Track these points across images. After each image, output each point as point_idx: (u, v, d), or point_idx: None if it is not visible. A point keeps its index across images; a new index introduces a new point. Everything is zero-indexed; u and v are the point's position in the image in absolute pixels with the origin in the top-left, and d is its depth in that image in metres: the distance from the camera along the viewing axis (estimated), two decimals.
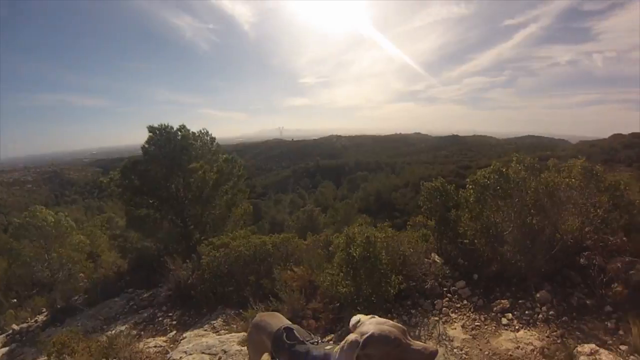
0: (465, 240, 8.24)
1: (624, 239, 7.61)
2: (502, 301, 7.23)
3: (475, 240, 8.03)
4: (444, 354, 6.27)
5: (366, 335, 2.49)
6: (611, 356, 5.57)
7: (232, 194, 18.03)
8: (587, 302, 6.97)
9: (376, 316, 2.78)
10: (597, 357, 5.52)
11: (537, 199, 7.49)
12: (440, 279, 8.09)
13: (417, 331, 6.83)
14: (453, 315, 7.21)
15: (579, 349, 5.71)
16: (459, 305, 7.44)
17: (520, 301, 7.24)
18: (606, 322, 6.55)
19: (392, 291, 7.28)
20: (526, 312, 7.02)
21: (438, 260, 8.60)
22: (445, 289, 7.89)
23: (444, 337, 6.66)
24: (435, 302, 7.54)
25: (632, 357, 5.87)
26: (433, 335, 6.72)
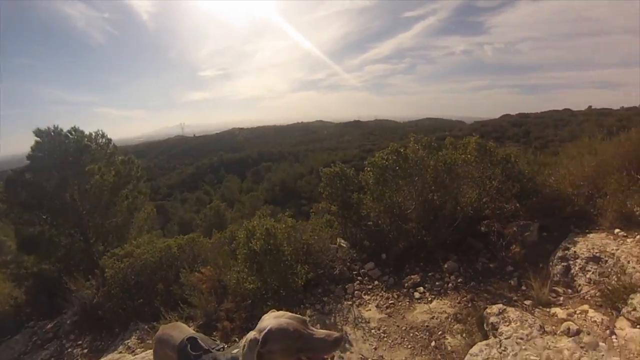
0: (369, 222, 8.35)
1: (517, 205, 8.23)
2: (413, 276, 7.40)
3: (380, 221, 8.18)
4: (362, 337, 6.29)
5: (264, 332, 2.38)
6: (517, 312, 5.84)
7: (132, 198, 16.70)
8: (491, 265, 7.37)
9: (275, 311, 2.70)
10: (505, 315, 5.77)
11: (436, 175, 7.76)
12: (348, 263, 8.11)
13: (332, 318, 6.78)
14: (366, 297, 7.24)
15: (488, 310, 5.94)
16: (370, 286, 7.50)
17: (429, 274, 7.46)
18: (509, 281, 6.98)
19: (299, 282, 7.19)
20: (436, 283, 7.24)
21: (344, 245, 8.56)
22: (354, 272, 7.92)
23: (360, 320, 6.67)
24: (346, 286, 7.53)
25: (536, 310, 6.19)
26: (349, 319, 6.70)
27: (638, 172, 7.88)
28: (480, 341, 5.50)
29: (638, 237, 6.80)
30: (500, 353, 5.17)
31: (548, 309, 6.24)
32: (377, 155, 8.18)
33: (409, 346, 6.05)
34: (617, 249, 6.67)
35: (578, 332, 5.43)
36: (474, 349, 5.33)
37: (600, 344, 5.28)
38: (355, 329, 6.48)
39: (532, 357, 5.06)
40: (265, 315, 2.63)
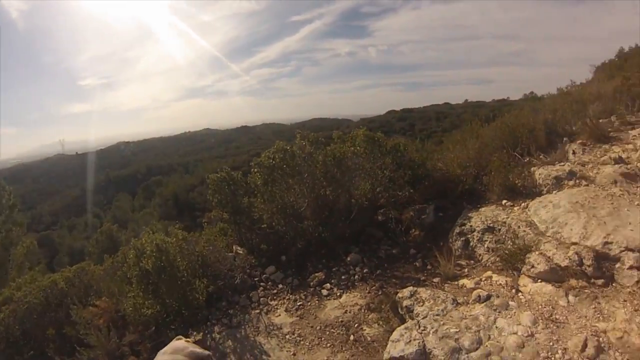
0: (263, 225, 8.03)
1: (411, 191, 8.43)
2: (317, 274, 7.26)
3: (274, 223, 7.93)
4: (278, 344, 6.03)
5: None
6: (429, 291, 5.91)
7: (6, 231, 13.97)
8: (394, 251, 7.49)
9: (182, 338, 2.39)
10: (417, 296, 5.81)
11: (326, 170, 7.70)
12: (248, 270, 7.73)
13: (243, 330, 6.40)
14: (273, 303, 6.95)
15: (400, 294, 5.96)
16: (275, 291, 7.22)
17: (334, 269, 7.37)
18: (414, 263, 7.14)
19: (200, 297, 6.70)
20: (342, 277, 7.17)
21: (241, 252, 8.24)
22: (256, 278, 7.57)
23: (271, 327, 6.39)
24: (250, 295, 7.16)
25: (446, 285, 6.31)
26: (260, 329, 6.38)
27: (514, 150, 8.74)
28: (399, 326, 5.47)
29: (523, 204, 7.34)
30: (421, 333, 5.15)
31: (456, 282, 6.40)
32: (264, 155, 7.93)
33: (328, 345, 5.89)
34: (507, 217, 7.08)
35: (488, 297, 5.62)
36: (395, 335, 5.27)
37: (510, 303, 5.50)
38: (269, 338, 6.18)
39: (452, 330, 5.10)
40: (166, 347, 2.30)
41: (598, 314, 5.13)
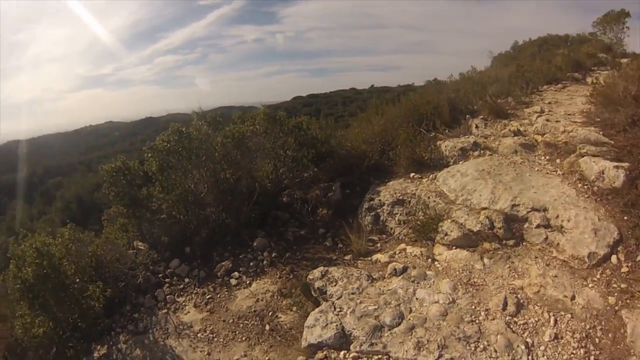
0: (162, 216, 7.23)
1: (315, 170, 8.16)
2: (223, 263, 6.71)
3: (174, 212, 7.18)
4: (190, 345, 5.43)
5: None
6: (341, 269, 5.63)
7: None
8: (302, 232, 7.18)
9: None
10: (329, 276, 5.51)
11: (225, 152, 7.14)
12: (151, 267, 6.91)
13: (150, 335, 5.69)
14: (180, 299, 6.25)
15: (310, 276, 5.62)
16: (181, 286, 6.52)
17: (241, 256, 6.86)
18: (324, 243, 6.86)
19: (97, 304, 5.76)
20: (251, 264, 6.69)
21: (143, 247, 7.32)
22: (160, 275, 6.75)
23: (181, 327, 5.74)
24: (155, 293, 6.36)
25: (359, 262, 6.07)
26: (169, 330, 5.70)
27: (420, 126, 8.69)
28: (313, 309, 5.12)
29: (431, 176, 7.35)
30: (338, 315, 4.83)
31: (370, 258, 6.15)
32: (159, 138, 7.07)
33: (244, 338, 5.42)
34: (417, 189, 6.99)
35: (405, 269, 5.42)
36: (309, 320, 4.91)
37: (428, 272, 5.35)
38: (180, 339, 5.53)
39: (370, 308, 4.82)
40: None
41: (513, 272, 5.26)
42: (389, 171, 7.93)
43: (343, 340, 4.57)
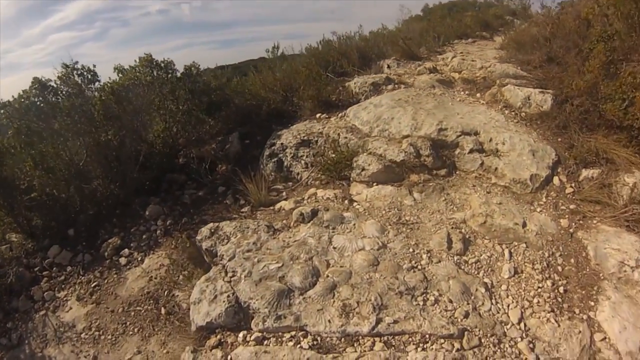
0: (35, 195, 5.18)
1: (211, 122, 6.44)
2: (110, 241, 4.80)
3: (49, 189, 5.12)
4: (72, 351, 3.67)
5: None
6: (234, 223, 4.00)
7: None
8: (200, 193, 5.48)
9: None
10: (220, 232, 3.89)
11: (105, 108, 5.11)
12: (25, 260, 4.87)
13: (27, 347, 3.85)
14: (62, 294, 4.36)
15: (199, 236, 3.98)
16: (62, 277, 4.59)
17: (132, 229, 4.98)
18: (225, 201, 5.20)
19: None
20: (143, 236, 4.86)
21: (16, 239, 5.30)
22: (37, 268, 4.77)
23: (62, 329, 3.92)
24: (31, 292, 4.49)
25: (259, 212, 4.60)
26: (48, 336, 3.86)
27: (326, 71, 7.17)
28: (200, 278, 3.44)
29: (339, 114, 5.82)
30: (230, 282, 3.22)
31: (272, 208, 4.55)
32: (18, 95, 4.97)
33: (136, 330, 3.74)
34: (324, 128, 5.42)
35: (315, 213, 3.87)
36: (194, 294, 3.26)
37: (345, 215, 3.84)
38: (61, 346, 3.74)
39: (272, 267, 3.24)
40: None
41: (451, 205, 4.12)
42: (292, 116, 6.30)
43: (240, 316, 2.99)
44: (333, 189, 4.43)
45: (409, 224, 3.74)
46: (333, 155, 4.68)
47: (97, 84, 5.46)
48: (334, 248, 3.38)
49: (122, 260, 4.58)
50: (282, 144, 5.33)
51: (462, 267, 3.32)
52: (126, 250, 4.69)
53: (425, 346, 2.78)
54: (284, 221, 3.94)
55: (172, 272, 4.18)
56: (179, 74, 5.97)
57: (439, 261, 3.29)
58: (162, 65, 5.81)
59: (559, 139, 4.71)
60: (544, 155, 4.39)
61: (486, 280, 3.27)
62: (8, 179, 4.86)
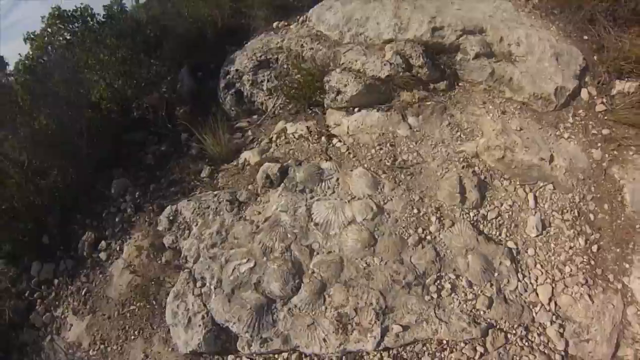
0: None
1: (157, 63, 4.75)
2: (85, 237, 3.90)
3: (5, 205, 4.24)
4: None
5: None
6: (192, 203, 3.19)
7: None
8: (163, 148, 4.43)
9: None
10: (180, 218, 3.18)
11: (29, 92, 3.99)
12: (14, 289, 4.04)
13: None
14: (58, 312, 3.47)
15: (159, 227, 3.35)
16: (53, 293, 3.59)
17: (103, 215, 4.05)
18: (190, 152, 4.16)
19: None
20: (116, 219, 3.93)
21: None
22: (27, 293, 3.87)
23: (71, 350, 3.27)
24: (32, 320, 3.67)
25: (220, 174, 3.69)
26: None
27: None
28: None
29: (301, 19, 4.47)
30: (201, 295, 2.52)
31: (235, 163, 3.52)
32: None
33: (137, 333, 3.17)
34: (284, 40, 4.11)
35: (286, 171, 2.91)
36: (168, 316, 2.66)
37: (324, 165, 2.90)
38: None
39: (244, 267, 2.44)
40: None
41: (457, 132, 3.08)
42: (247, 31, 4.96)
43: (222, 338, 2.33)
44: (305, 120, 3.40)
45: (408, 166, 2.79)
46: (298, 77, 3.55)
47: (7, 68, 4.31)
48: (316, 225, 2.50)
49: (102, 256, 3.79)
50: (237, 70, 4.16)
51: (480, 227, 2.58)
52: (103, 243, 3.87)
53: (442, 355, 2.11)
54: (250, 187, 3.04)
55: (152, 257, 3.44)
56: (100, 18, 4.69)
57: (452, 224, 2.43)
58: (76, 15, 4.53)
59: (585, 37, 3.58)
60: (569, 60, 3.32)
61: (510, 244, 2.58)
62: None
